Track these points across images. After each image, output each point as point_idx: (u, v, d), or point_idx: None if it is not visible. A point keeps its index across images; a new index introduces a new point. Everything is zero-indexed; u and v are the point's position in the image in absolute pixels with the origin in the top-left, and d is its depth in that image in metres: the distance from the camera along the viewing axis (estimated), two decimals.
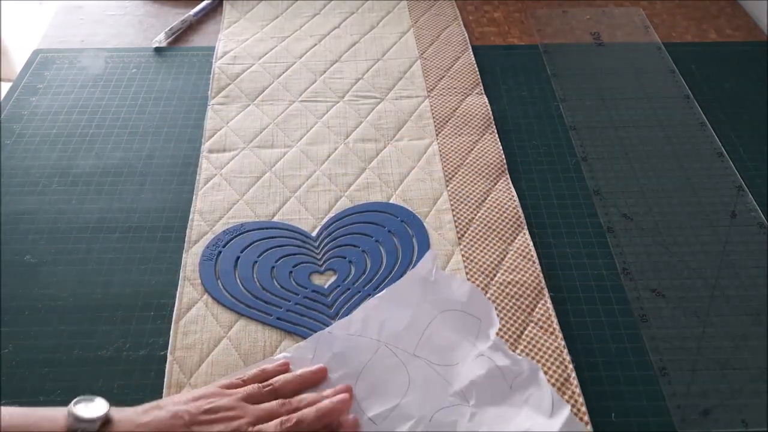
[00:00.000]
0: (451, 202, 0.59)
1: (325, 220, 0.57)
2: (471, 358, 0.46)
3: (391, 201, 0.59)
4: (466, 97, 0.70)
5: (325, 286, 0.52)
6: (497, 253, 0.55)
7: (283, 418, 0.40)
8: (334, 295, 0.51)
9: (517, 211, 0.58)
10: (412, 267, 0.53)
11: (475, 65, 0.74)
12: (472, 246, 0.55)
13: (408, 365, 0.46)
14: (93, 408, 0.38)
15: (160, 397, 0.45)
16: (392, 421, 0.43)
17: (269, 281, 0.52)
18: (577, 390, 0.46)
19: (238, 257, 0.54)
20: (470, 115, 0.68)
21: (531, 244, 0.55)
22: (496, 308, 0.51)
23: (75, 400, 0.38)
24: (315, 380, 0.45)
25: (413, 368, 0.46)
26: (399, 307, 0.49)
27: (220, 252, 0.54)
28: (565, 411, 0.43)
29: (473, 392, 0.44)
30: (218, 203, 0.59)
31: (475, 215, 0.58)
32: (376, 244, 0.55)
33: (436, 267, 0.50)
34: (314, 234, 0.56)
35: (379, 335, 0.47)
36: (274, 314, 0.50)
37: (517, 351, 0.48)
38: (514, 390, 0.44)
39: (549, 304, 0.51)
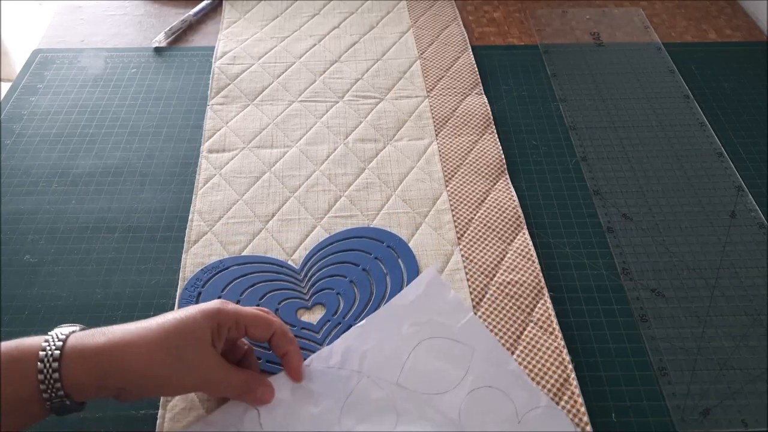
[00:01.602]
0: (451, 202, 0.59)
1: (308, 250, 0.55)
2: (467, 388, 0.44)
3: (372, 225, 0.59)
4: (465, 97, 0.70)
5: (315, 323, 0.50)
6: (497, 253, 0.55)
7: None
8: (325, 331, 0.49)
9: (517, 211, 0.58)
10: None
11: (475, 65, 0.74)
12: (472, 246, 0.55)
13: (393, 396, 0.44)
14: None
15: (160, 398, 0.45)
16: None
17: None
18: (577, 390, 0.46)
19: (220, 297, 0.51)
20: (470, 115, 0.68)
21: (531, 244, 0.55)
22: (495, 308, 0.51)
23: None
24: None
25: (400, 399, 0.44)
26: (381, 335, 0.47)
27: (200, 293, 0.51)
28: None
29: (470, 422, 0.43)
30: (218, 203, 0.59)
31: (475, 215, 0.58)
32: (363, 272, 0.53)
33: (442, 284, 0.49)
34: (298, 267, 0.53)
35: (361, 366, 0.45)
36: (264, 357, 0.46)
37: (517, 351, 0.48)
38: (523, 424, 0.43)
39: (549, 304, 0.51)
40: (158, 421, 0.44)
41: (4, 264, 0.54)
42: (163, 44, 0.77)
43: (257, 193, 0.60)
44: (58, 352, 0.35)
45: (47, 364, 0.35)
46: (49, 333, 0.37)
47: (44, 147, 0.64)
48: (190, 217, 0.57)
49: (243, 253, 0.54)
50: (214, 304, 0.40)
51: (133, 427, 0.44)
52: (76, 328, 0.38)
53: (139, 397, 0.41)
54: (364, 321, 0.48)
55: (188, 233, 0.56)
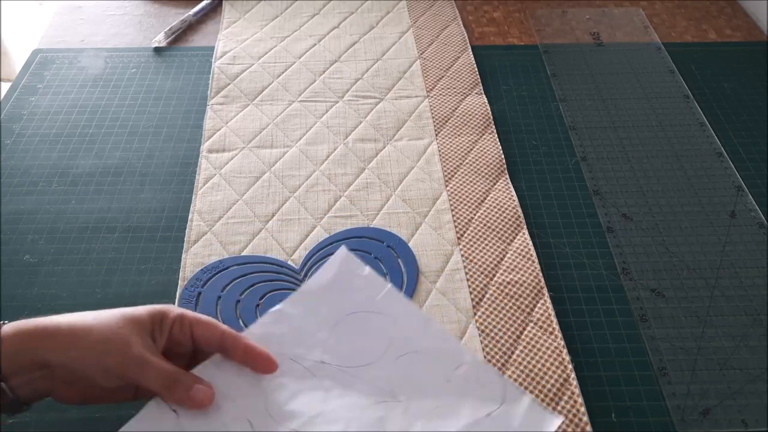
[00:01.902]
0: (451, 202, 0.59)
1: (308, 250, 0.54)
2: (393, 356, 0.43)
3: (372, 225, 0.59)
4: (465, 97, 0.70)
5: None
6: (497, 253, 0.55)
7: None
8: None
9: (517, 210, 0.58)
10: (403, 294, 0.50)
11: (475, 65, 0.74)
12: (472, 246, 0.55)
13: (319, 374, 0.42)
14: None
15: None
16: (319, 428, 0.39)
17: (254, 321, 0.48)
18: (577, 390, 0.46)
19: (219, 297, 0.51)
20: (470, 115, 0.68)
21: (530, 243, 0.55)
22: (495, 308, 0.51)
23: None
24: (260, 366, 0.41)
25: (326, 376, 0.42)
26: (299, 318, 0.45)
27: (199, 293, 0.51)
28: (525, 399, 0.41)
29: (402, 388, 0.41)
30: (218, 203, 0.59)
31: (475, 215, 0.58)
32: None
33: (358, 267, 0.47)
34: (298, 267, 0.53)
35: (280, 349, 0.43)
36: None
37: (517, 351, 0.48)
38: (453, 382, 0.42)
39: (548, 304, 0.51)
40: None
41: (4, 264, 0.54)
42: (163, 44, 0.77)
43: (257, 193, 0.60)
44: None
45: None
46: None
47: (44, 147, 0.64)
48: (190, 217, 0.57)
49: (243, 253, 0.54)
50: (160, 305, 0.40)
51: None
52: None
53: (65, 395, 0.39)
54: (279, 306, 0.45)
55: (188, 233, 0.56)
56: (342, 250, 0.49)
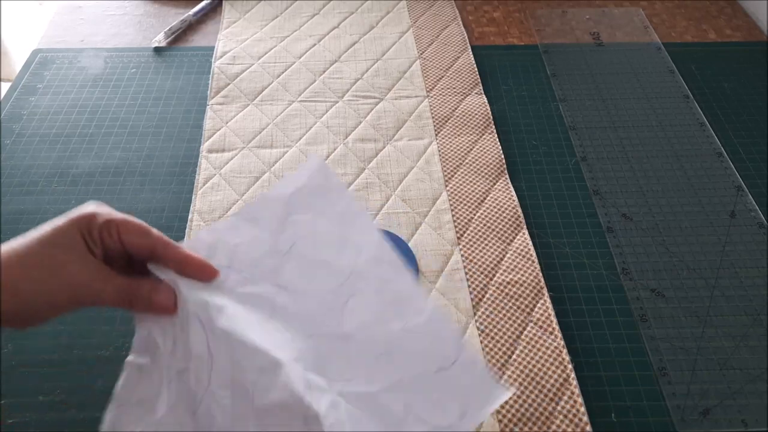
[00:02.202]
0: (451, 202, 0.59)
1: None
2: (346, 293, 0.39)
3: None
4: (465, 97, 0.70)
5: None
6: (496, 253, 0.55)
7: None
8: None
9: (517, 210, 0.58)
10: None
11: (475, 65, 0.74)
12: (472, 246, 0.55)
13: (270, 296, 0.38)
14: None
15: None
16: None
17: None
18: (577, 390, 0.46)
19: None
20: (469, 115, 0.68)
21: (530, 243, 0.55)
22: (495, 308, 0.51)
23: None
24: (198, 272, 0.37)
25: (278, 298, 0.38)
26: (256, 229, 0.40)
27: None
28: (478, 365, 0.38)
29: (351, 324, 0.38)
30: (217, 203, 0.59)
31: (475, 215, 0.58)
32: None
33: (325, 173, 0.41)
34: None
35: (230, 262, 0.38)
36: None
37: (517, 351, 0.48)
38: (410, 330, 0.38)
39: (548, 304, 0.51)
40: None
41: None
42: (163, 44, 0.77)
43: (257, 193, 0.60)
44: None
45: None
46: None
47: (44, 147, 0.64)
48: (190, 217, 0.57)
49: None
50: (84, 208, 0.36)
51: None
52: None
53: (23, 321, 0.35)
54: (236, 211, 0.41)
55: (188, 233, 0.56)
56: (314, 157, 0.42)
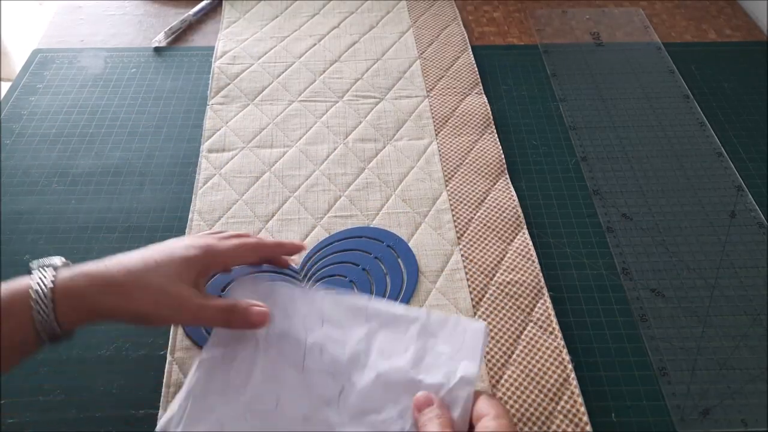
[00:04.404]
0: (451, 202, 0.59)
1: (308, 250, 0.54)
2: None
3: (371, 225, 0.59)
4: (465, 97, 0.70)
5: None
6: (497, 252, 0.55)
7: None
8: None
9: (517, 210, 0.58)
10: (403, 293, 0.51)
11: (475, 65, 0.74)
12: (472, 246, 0.55)
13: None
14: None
15: (160, 398, 0.45)
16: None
17: None
18: (577, 390, 0.46)
19: (219, 297, 0.49)
20: (470, 114, 0.68)
21: (530, 243, 0.55)
22: (495, 308, 0.51)
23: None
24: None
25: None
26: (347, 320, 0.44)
27: None
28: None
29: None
30: (217, 203, 0.59)
31: (475, 215, 0.58)
32: (363, 272, 0.53)
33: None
34: (298, 267, 0.53)
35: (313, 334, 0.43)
36: None
37: (517, 351, 0.48)
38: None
39: (548, 304, 0.51)
40: (158, 421, 0.44)
41: (4, 264, 0.54)
42: (163, 44, 0.77)
43: (257, 192, 0.60)
44: (51, 285, 0.37)
45: (41, 301, 0.36)
46: (33, 270, 0.38)
47: (44, 147, 0.64)
48: (190, 217, 0.57)
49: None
50: (199, 248, 0.42)
51: (133, 427, 0.44)
52: (57, 263, 0.39)
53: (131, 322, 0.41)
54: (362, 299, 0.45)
55: (188, 233, 0.56)
56: (482, 327, 0.42)
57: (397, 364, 0.40)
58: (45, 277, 0.37)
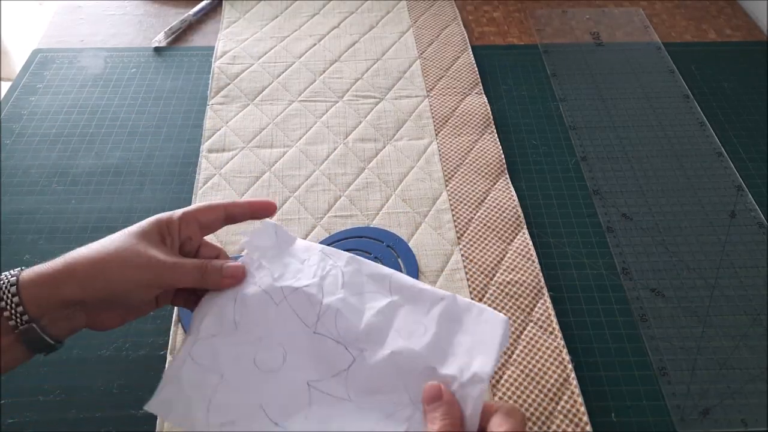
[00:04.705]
0: (451, 202, 0.59)
1: None
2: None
3: (371, 225, 0.59)
4: (465, 97, 0.70)
5: None
6: (497, 252, 0.55)
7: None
8: None
9: (517, 210, 0.58)
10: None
11: (475, 65, 0.74)
12: (472, 246, 0.55)
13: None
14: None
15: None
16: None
17: None
18: (577, 390, 0.46)
19: None
20: (470, 114, 0.68)
21: (530, 243, 0.55)
22: (495, 308, 0.51)
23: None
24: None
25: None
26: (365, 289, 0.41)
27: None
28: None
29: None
30: None
31: (475, 215, 0.58)
32: None
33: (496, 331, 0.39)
34: None
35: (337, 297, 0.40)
36: None
37: (517, 351, 0.48)
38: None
39: (548, 304, 0.51)
40: (158, 421, 0.44)
41: (4, 264, 0.54)
42: (163, 44, 0.77)
43: (257, 192, 0.60)
44: (14, 278, 0.36)
45: (5, 291, 0.36)
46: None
47: (44, 147, 0.64)
48: None
49: (243, 253, 0.54)
50: (150, 219, 0.40)
51: (133, 427, 0.44)
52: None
53: (106, 322, 0.40)
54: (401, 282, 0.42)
55: None
56: (503, 320, 0.40)
57: (414, 346, 0.38)
58: (10, 275, 0.37)
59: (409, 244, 0.55)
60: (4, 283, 0.36)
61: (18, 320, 0.35)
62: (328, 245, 0.54)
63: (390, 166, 0.62)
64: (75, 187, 0.60)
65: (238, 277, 0.40)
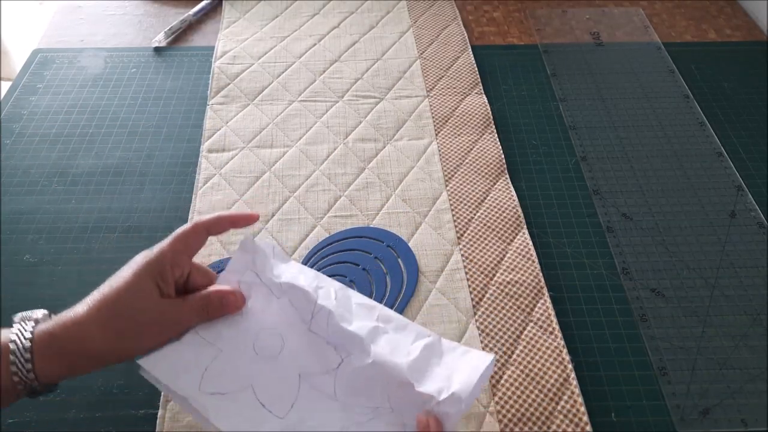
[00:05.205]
0: (451, 202, 0.59)
1: (308, 250, 0.55)
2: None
3: (371, 225, 0.59)
4: (465, 97, 0.70)
5: None
6: (497, 252, 0.55)
7: None
8: None
9: (517, 210, 0.58)
10: (403, 293, 0.51)
11: (475, 65, 0.74)
12: (472, 246, 0.55)
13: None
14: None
15: (160, 398, 0.45)
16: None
17: None
18: (577, 390, 0.46)
19: None
20: (470, 114, 0.68)
21: (530, 243, 0.55)
22: (495, 308, 0.51)
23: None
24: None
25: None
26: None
27: None
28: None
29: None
30: (218, 203, 0.59)
31: (475, 215, 0.58)
32: (363, 272, 0.53)
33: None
34: None
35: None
36: None
37: (517, 351, 0.48)
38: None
39: (548, 304, 0.51)
40: (158, 421, 0.44)
41: (4, 264, 0.54)
42: (163, 44, 0.77)
43: (257, 192, 0.60)
44: (28, 342, 0.36)
45: (20, 355, 0.36)
46: (14, 323, 0.38)
47: (44, 147, 0.64)
48: (190, 217, 0.57)
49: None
50: (150, 254, 0.41)
51: (133, 427, 0.44)
52: (39, 315, 0.39)
53: (107, 364, 0.40)
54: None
55: None
56: (489, 360, 0.40)
57: (397, 361, 0.40)
58: (24, 330, 0.37)
59: (409, 244, 0.55)
60: (18, 348, 0.36)
61: (26, 382, 0.36)
62: (327, 245, 0.55)
63: (390, 166, 0.62)
64: (75, 187, 0.60)
65: (239, 305, 0.42)
